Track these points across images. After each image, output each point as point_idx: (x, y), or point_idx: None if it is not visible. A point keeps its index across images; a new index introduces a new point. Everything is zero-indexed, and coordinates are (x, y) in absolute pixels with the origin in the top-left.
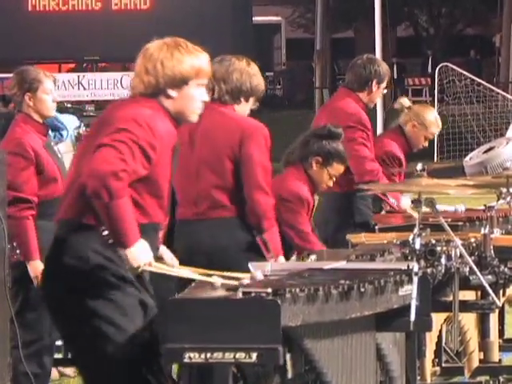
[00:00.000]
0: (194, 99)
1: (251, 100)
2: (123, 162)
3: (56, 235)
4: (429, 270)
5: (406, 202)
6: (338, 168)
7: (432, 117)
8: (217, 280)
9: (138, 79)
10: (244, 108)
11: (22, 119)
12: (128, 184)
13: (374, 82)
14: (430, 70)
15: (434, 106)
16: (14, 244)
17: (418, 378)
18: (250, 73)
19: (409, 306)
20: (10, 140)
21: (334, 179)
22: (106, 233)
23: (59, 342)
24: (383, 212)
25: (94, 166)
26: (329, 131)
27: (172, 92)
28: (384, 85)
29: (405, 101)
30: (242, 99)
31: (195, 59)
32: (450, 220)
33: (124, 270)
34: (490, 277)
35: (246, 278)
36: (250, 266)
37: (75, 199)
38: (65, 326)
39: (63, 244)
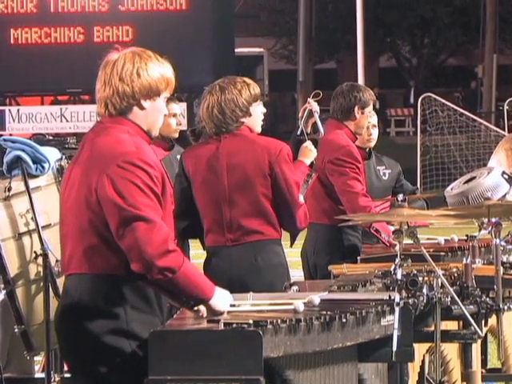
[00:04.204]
0: (162, 112)
1: (255, 105)
2: (158, 229)
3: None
4: (410, 301)
5: None
6: None
7: None
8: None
9: (109, 88)
10: (255, 116)
11: None
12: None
13: (357, 109)
14: (412, 100)
15: (416, 137)
16: None
17: None
18: (241, 92)
19: (391, 337)
20: None
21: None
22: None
23: (41, 375)
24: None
25: (142, 253)
26: None
27: (146, 103)
28: (369, 109)
29: None
30: (247, 116)
31: (166, 70)
32: (431, 250)
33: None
34: (471, 307)
35: (298, 304)
36: (231, 297)
37: (92, 251)
38: None
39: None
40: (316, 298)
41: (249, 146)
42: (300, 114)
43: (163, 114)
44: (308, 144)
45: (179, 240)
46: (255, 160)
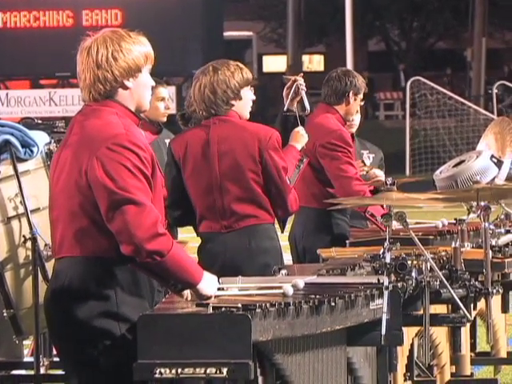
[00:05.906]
0: (147, 86)
1: (246, 89)
2: (148, 213)
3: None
4: (399, 284)
5: None
6: None
7: None
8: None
9: (89, 76)
10: (245, 100)
11: None
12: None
13: (351, 94)
14: (401, 84)
15: (405, 120)
16: None
17: None
18: (233, 75)
19: (380, 320)
20: None
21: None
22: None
23: (30, 359)
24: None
25: (131, 236)
26: None
27: (129, 83)
28: (361, 96)
29: None
30: (237, 98)
31: (142, 46)
32: (420, 234)
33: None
34: (460, 290)
35: (287, 287)
36: (221, 281)
37: (84, 234)
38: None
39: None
40: (300, 282)
41: (239, 133)
42: (285, 92)
43: (150, 87)
44: (300, 129)
45: (169, 224)
46: (245, 147)
